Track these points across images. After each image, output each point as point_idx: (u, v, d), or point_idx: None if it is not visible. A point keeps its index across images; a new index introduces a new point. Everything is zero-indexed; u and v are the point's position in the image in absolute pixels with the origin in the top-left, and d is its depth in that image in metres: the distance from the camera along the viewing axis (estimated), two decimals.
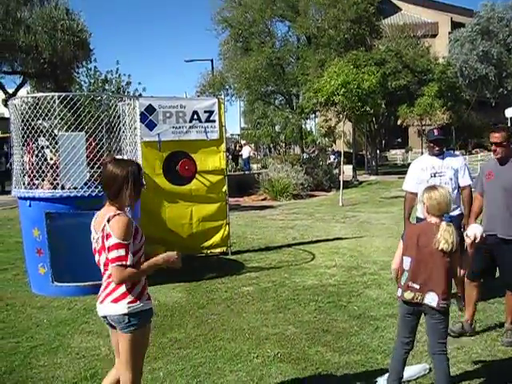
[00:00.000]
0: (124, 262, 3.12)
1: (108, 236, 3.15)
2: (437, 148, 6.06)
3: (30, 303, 6.81)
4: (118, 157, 7.44)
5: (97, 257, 3.32)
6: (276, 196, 19.93)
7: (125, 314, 3.22)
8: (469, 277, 5.26)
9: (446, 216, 3.75)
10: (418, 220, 5.85)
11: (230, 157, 28.93)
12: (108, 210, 3.26)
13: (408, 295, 3.79)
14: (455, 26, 51.07)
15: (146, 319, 3.33)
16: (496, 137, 5.19)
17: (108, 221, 3.16)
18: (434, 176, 6.02)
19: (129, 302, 3.22)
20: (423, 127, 32.35)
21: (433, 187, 3.89)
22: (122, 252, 3.12)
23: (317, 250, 9.67)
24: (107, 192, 3.28)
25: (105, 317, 3.34)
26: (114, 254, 3.13)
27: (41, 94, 7.51)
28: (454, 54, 43.16)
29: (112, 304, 3.24)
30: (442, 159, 6.05)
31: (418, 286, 3.76)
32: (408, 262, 3.82)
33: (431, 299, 3.74)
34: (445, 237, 3.67)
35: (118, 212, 3.20)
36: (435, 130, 6.14)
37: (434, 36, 51.65)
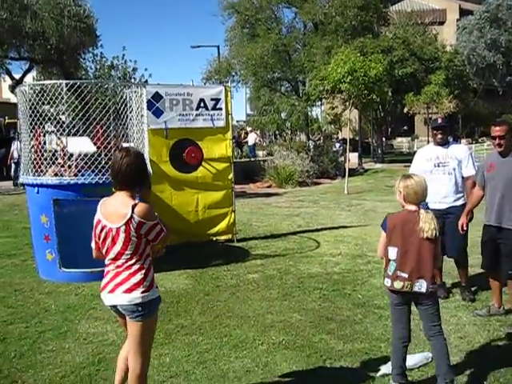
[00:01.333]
0: (164, 233, 3.35)
1: (140, 224, 3.25)
2: (439, 136, 6.15)
3: (38, 289, 6.89)
4: (125, 144, 7.53)
5: (107, 245, 3.35)
6: (281, 183, 19.96)
7: (138, 304, 3.29)
8: (483, 268, 5.66)
9: (423, 203, 3.88)
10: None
11: (235, 144, 28.85)
12: (121, 200, 3.32)
13: (397, 285, 3.85)
14: (463, 13, 50.70)
15: (155, 307, 3.43)
16: (497, 130, 5.34)
17: (132, 211, 3.23)
18: (438, 166, 6.11)
19: (142, 292, 3.30)
20: (430, 115, 32.20)
21: (408, 176, 3.97)
22: (158, 227, 3.32)
23: (322, 238, 9.72)
24: (123, 181, 3.33)
25: (114, 306, 3.40)
26: (154, 233, 3.31)
27: (48, 82, 7.54)
28: (462, 41, 42.84)
29: (125, 294, 3.30)
30: (446, 149, 6.13)
31: (406, 275, 3.83)
32: (394, 252, 3.88)
33: (420, 286, 3.82)
34: (427, 225, 3.78)
35: (137, 201, 3.31)
36: (439, 118, 6.35)
37: (442, 23, 51.29)
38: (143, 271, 3.32)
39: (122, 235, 3.27)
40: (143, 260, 3.34)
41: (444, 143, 6.17)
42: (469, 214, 5.76)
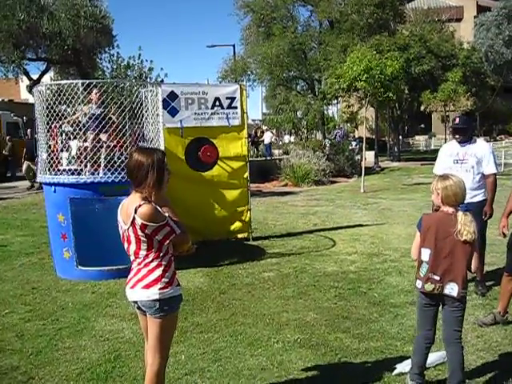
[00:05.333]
0: (174, 235, 3.29)
1: (143, 226, 3.21)
2: (456, 136, 6.18)
3: (55, 287, 6.95)
4: (143, 144, 7.57)
5: (126, 245, 3.39)
6: (297, 182, 19.92)
7: (156, 300, 3.30)
8: (506, 270, 5.31)
9: (461, 206, 3.76)
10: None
11: (251, 143, 28.87)
12: (132, 199, 3.30)
13: (428, 287, 3.77)
14: (481, 9, 50.15)
15: (175, 305, 3.44)
16: None
17: (135, 212, 3.21)
18: (457, 163, 6.11)
19: (160, 288, 3.31)
20: (447, 113, 31.97)
21: (446, 177, 3.82)
22: (167, 229, 3.26)
23: (338, 237, 9.69)
24: (132, 180, 3.33)
25: (135, 302, 3.43)
26: (161, 234, 3.26)
27: (65, 82, 7.60)
28: (480, 38, 42.32)
29: (143, 290, 3.32)
30: (466, 146, 6.10)
31: (438, 278, 3.74)
32: (427, 254, 3.79)
33: (451, 289, 3.73)
34: (466, 227, 3.66)
35: (142, 202, 3.24)
36: (457, 118, 6.25)
37: (459, 20, 50.81)
38: (161, 268, 3.32)
39: (132, 235, 3.29)
40: (161, 258, 3.33)
41: (465, 141, 6.14)
42: (507, 216, 5.45)
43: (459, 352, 3.81)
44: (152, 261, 3.32)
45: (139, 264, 3.36)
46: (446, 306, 3.84)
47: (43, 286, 7.01)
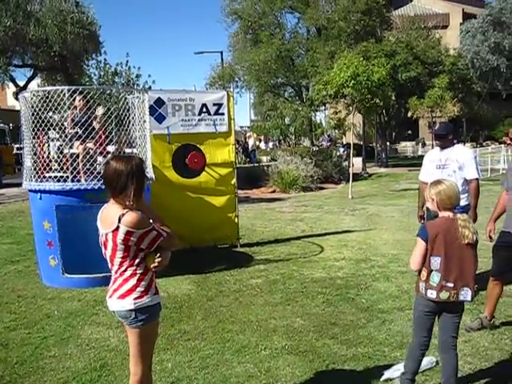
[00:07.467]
0: (162, 238, 3.22)
1: (129, 234, 3.13)
2: (437, 141, 6.37)
3: (41, 295, 6.88)
4: (128, 150, 7.54)
5: (103, 250, 3.32)
6: (285, 188, 19.93)
7: (131, 310, 3.22)
8: (491, 274, 5.31)
9: (458, 208, 3.76)
10: (429, 212, 5.83)
11: (241, 149, 28.90)
12: (113, 209, 3.22)
13: (444, 295, 3.69)
14: (467, 16, 50.65)
15: (153, 314, 3.33)
16: None
17: (119, 221, 3.13)
18: (439, 168, 6.21)
19: (135, 298, 3.21)
20: (434, 119, 32.14)
21: (438, 182, 3.82)
22: (153, 234, 3.19)
23: (325, 243, 9.69)
24: (111, 189, 3.23)
25: (114, 311, 3.36)
26: (147, 240, 3.18)
27: (50, 88, 7.55)
28: (466, 45, 42.69)
29: (119, 300, 3.24)
30: (448, 152, 6.17)
31: (452, 285, 3.67)
32: (438, 262, 3.69)
33: (465, 294, 3.70)
34: (467, 229, 3.65)
35: (125, 210, 3.17)
36: (439, 124, 6.44)
37: (445, 27, 51.29)
38: (136, 277, 3.23)
39: (109, 241, 3.20)
40: (136, 266, 3.23)
41: (446, 146, 6.21)
42: (494, 221, 5.47)
43: (455, 358, 3.81)
44: (126, 270, 3.23)
45: (115, 273, 3.28)
46: (447, 313, 3.80)
47: (29, 294, 6.93)
